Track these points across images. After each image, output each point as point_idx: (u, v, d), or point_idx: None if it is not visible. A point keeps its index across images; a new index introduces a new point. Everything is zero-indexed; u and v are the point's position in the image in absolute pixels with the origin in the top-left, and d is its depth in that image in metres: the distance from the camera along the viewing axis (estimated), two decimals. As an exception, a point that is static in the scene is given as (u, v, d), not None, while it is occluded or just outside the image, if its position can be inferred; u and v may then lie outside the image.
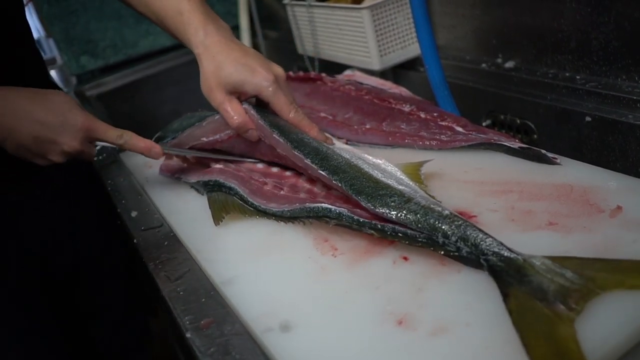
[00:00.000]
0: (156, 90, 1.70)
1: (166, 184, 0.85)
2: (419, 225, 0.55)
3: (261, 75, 0.72)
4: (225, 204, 0.71)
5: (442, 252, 0.53)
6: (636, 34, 0.78)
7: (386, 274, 0.54)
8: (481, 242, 0.51)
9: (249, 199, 0.70)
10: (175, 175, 0.84)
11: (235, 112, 0.73)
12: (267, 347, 0.49)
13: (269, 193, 0.70)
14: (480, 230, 0.52)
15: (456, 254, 0.52)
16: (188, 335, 0.52)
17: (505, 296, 0.47)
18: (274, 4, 1.69)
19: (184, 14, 0.75)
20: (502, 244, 0.50)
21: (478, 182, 0.66)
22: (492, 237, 0.51)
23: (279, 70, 0.75)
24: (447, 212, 0.55)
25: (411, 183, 0.61)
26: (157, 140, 0.87)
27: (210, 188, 0.75)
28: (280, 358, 0.47)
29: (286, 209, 0.66)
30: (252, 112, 0.74)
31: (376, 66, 1.11)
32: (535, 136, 0.94)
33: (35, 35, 1.89)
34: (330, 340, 0.48)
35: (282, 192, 0.70)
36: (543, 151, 0.67)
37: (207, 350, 0.50)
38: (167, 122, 1.71)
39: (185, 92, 1.70)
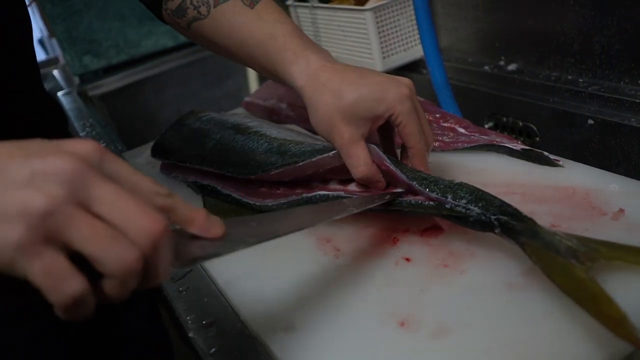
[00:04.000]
0: (158, 90, 1.70)
1: (169, 184, 0.86)
2: (428, 189, 0.55)
3: (394, 90, 0.58)
4: (222, 210, 0.70)
5: (450, 217, 0.54)
6: (638, 38, 0.78)
7: (388, 275, 0.54)
8: (492, 203, 0.52)
9: (244, 200, 0.70)
10: (172, 174, 0.83)
11: (363, 159, 0.58)
12: (270, 347, 0.49)
13: (264, 193, 0.69)
14: (491, 194, 0.53)
15: (465, 216, 0.53)
16: (191, 334, 0.52)
17: (522, 245, 0.49)
18: (277, 3, 1.70)
19: (278, 37, 0.64)
20: (513, 207, 0.52)
21: (481, 183, 0.65)
22: (502, 200, 0.52)
23: (408, 81, 0.61)
24: (456, 181, 0.56)
25: None
26: (156, 149, 0.85)
27: (207, 192, 0.75)
28: (283, 358, 0.48)
29: (282, 201, 0.66)
30: (382, 155, 0.59)
31: (379, 68, 1.12)
32: (538, 139, 0.95)
33: (37, 35, 1.89)
34: (332, 341, 0.48)
35: (278, 191, 0.69)
36: (545, 153, 0.67)
37: (209, 350, 0.50)
38: (169, 122, 1.71)
39: (188, 93, 1.71)
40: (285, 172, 0.65)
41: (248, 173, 0.68)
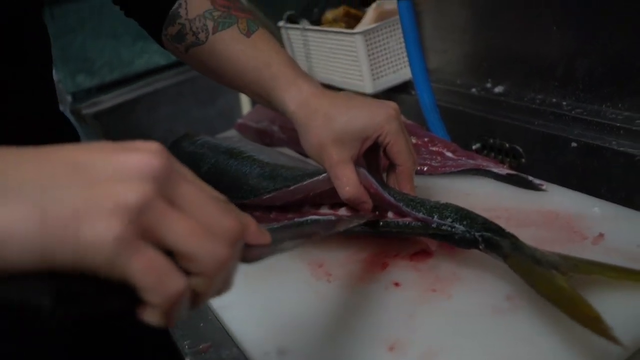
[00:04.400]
0: (151, 109, 1.72)
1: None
2: (415, 210, 0.57)
3: (382, 112, 0.62)
4: None
5: (436, 235, 0.57)
6: (619, 63, 0.81)
7: (379, 300, 0.56)
8: (476, 220, 0.54)
9: None
10: None
11: (350, 180, 0.61)
12: (264, 371, 0.51)
13: (258, 217, 0.71)
14: (475, 213, 0.56)
15: (450, 234, 0.55)
16: (187, 359, 0.54)
17: (505, 257, 0.51)
18: (268, 24, 1.72)
19: (272, 66, 0.67)
20: (494, 223, 0.54)
21: (467, 207, 0.68)
22: (486, 218, 0.55)
23: (394, 104, 0.65)
24: (442, 202, 0.58)
25: None
26: None
27: None
28: (276, 382, 0.49)
29: (275, 226, 0.67)
30: (370, 178, 0.62)
31: (369, 90, 1.14)
32: (523, 160, 0.97)
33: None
34: (324, 365, 0.50)
35: (271, 216, 0.71)
36: (530, 178, 0.70)
37: (206, 374, 0.52)
38: (162, 141, 1.73)
39: (180, 111, 1.72)
40: (277, 196, 0.67)
41: (241, 197, 0.70)
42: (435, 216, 0.56)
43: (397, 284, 0.58)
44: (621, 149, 0.80)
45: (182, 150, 0.85)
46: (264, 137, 1.01)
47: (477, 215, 0.55)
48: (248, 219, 0.38)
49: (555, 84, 0.92)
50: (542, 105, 0.94)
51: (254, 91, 0.70)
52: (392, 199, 0.59)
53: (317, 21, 1.26)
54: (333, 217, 0.64)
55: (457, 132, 1.02)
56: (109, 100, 1.68)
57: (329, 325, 0.55)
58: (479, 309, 0.52)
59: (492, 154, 1.03)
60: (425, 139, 0.82)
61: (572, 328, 0.45)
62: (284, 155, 0.78)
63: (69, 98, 1.68)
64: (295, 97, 0.65)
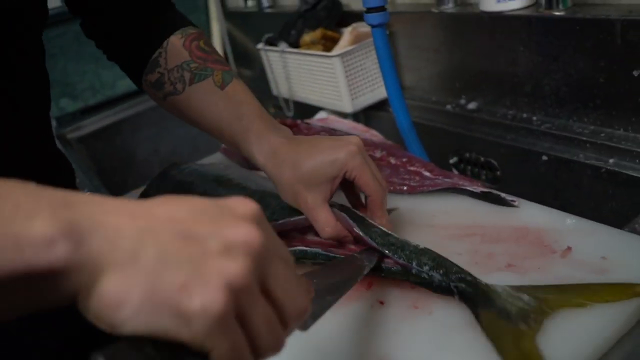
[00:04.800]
0: (135, 130, 1.75)
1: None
2: (396, 255, 0.61)
3: (343, 150, 0.64)
4: None
5: (417, 282, 0.60)
6: (581, 81, 0.86)
7: (365, 318, 0.60)
8: (450, 270, 0.58)
9: None
10: None
11: (327, 222, 0.65)
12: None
13: None
14: (450, 261, 0.59)
15: (429, 282, 0.59)
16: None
17: (477, 316, 0.54)
18: (248, 43, 1.76)
19: (243, 118, 0.70)
20: (469, 273, 0.57)
21: (445, 226, 0.72)
22: (460, 266, 0.58)
23: (356, 139, 0.67)
24: (421, 246, 0.62)
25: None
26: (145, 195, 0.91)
27: None
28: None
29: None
30: (350, 222, 0.65)
31: (348, 109, 1.18)
32: (499, 173, 1.02)
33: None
34: (317, 383, 0.54)
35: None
36: (502, 195, 0.74)
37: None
38: (148, 162, 1.76)
39: (164, 131, 1.75)
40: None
41: None
42: (414, 262, 0.60)
43: (381, 302, 0.62)
44: (588, 161, 0.85)
45: (170, 179, 0.88)
46: (249, 160, 1.05)
47: (452, 265, 0.59)
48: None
49: (525, 100, 0.97)
50: (513, 121, 0.99)
51: (228, 141, 0.73)
52: (374, 244, 0.63)
53: (295, 43, 1.30)
54: (320, 249, 0.68)
55: (435, 147, 1.07)
56: (93, 124, 1.71)
57: (319, 343, 0.58)
58: (459, 323, 0.56)
59: (469, 167, 1.08)
60: (404, 159, 0.86)
61: (550, 342, 0.50)
62: (269, 180, 0.82)
63: (54, 123, 1.70)
64: (263, 150, 0.68)
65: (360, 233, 0.64)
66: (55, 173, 0.79)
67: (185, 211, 0.34)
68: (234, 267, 0.32)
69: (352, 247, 0.68)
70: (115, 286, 0.30)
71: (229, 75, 0.73)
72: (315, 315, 0.43)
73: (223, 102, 0.72)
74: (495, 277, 0.60)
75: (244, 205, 0.36)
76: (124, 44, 0.78)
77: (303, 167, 0.65)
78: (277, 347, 0.35)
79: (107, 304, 0.30)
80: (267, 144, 0.68)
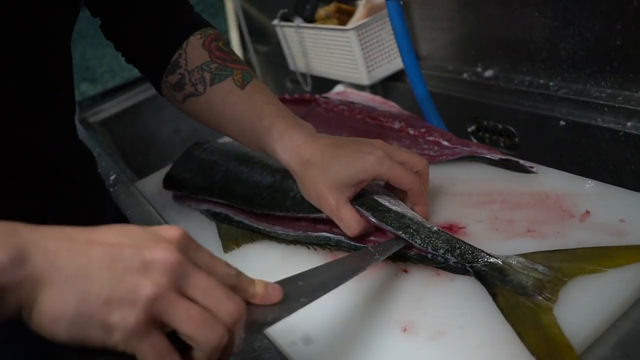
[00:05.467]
0: (155, 111, 1.77)
1: (182, 211, 0.93)
2: (412, 239, 0.63)
3: (370, 157, 0.65)
4: (236, 236, 0.78)
5: (434, 265, 0.62)
6: (598, 44, 0.86)
7: (390, 287, 0.62)
8: (465, 252, 0.60)
9: (255, 225, 0.77)
10: (186, 204, 0.91)
11: (353, 220, 0.66)
12: (293, 358, 0.57)
13: (274, 221, 0.77)
14: (464, 242, 0.61)
15: (444, 265, 0.61)
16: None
17: (494, 296, 0.55)
18: (263, 19, 1.77)
19: (265, 118, 0.71)
20: (482, 251, 0.59)
21: (465, 194, 0.74)
22: (473, 246, 0.60)
23: (380, 142, 0.68)
24: (435, 228, 0.63)
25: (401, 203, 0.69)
26: (167, 182, 0.93)
27: (221, 219, 0.82)
28: (304, 368, 0.56)
29: (291, 233, 0.73)
30: (365, 213, 0.67)
31: (365, 81, 1.19)
32: (517, 139, 1.03)
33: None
34: (346, 349, 0.56)
35: (285, 220, 0.76)
36: (521, 161, 0.75)
37: (238, 363, 0.58)
38: (170, 141, 1.78)
39: (184, 110, 1.77)
40: (286, 216, 0.74)
41: (255, 208, 0.76)
42: (429, 247, 0.62)
43: (405, 271, 0.64)
44: (605, 125, 0.86)
45: (194, 159, 0.91)
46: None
47: (467, 246, 0.60)
48: (257, 287, 0.46)
49: (542, 66, 0.98)
50: (530, 87, 0.99)
51: (249, 140, 0.74)
52: (391, 229, 0.65)
53: (310, 18, 1.30)
54: (343, 237, 0.69)
55: (453, 116, 1.08)
56: (114, 107, 1.73)
57: (347, 312, 0.61)
58: (481, 290, 0.58)
59: (487, 135, 1.09)
60: (422, 130, 0.88)
61: (567, 310, 0.51)
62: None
63: (76, 107, 1.73)
64: (287, 148, 0.69)
65: (376, 222, 0.66)
66: (78, 161, 0.81)
67: (116, 236, 0.40)
68: (149, 283, 0.38)
69: (373, 238, 0.69)
70: (51, 302, 0.37)
71: (249, 74, 0.74)
72: (274, 319, 0.46)
73: (244, 102, 0.72)
74: (515, 243, 0.62)
75: (169, 231, 0.42)
76: (143, 45, 0.79)
77: (328, 171, 0.66)
78: (218, 337, 0.40)
79: (46, 317, 0.37)
80: (290, 142, 0.69)
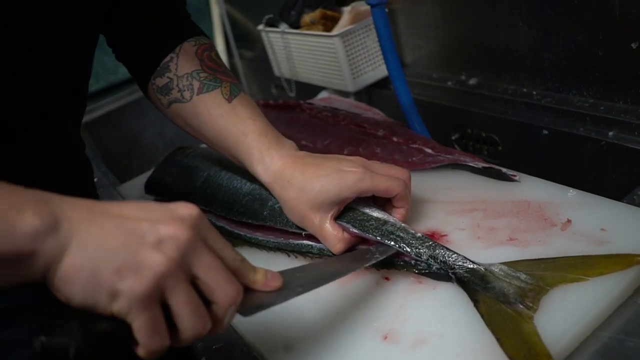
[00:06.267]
0: (139, 115, 1.76)
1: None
2: (395, 245, 0.63)
3: (351, 176, 0.65)
4: None
5: (416, 271, 0.62)
6: (581, 55, 0.87)
7: (371, 294, 0.62)
8: (448, 258, 0.60)
9: (236, 231, 0.77)
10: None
11: (336, 239, 0.66)
12: (273, 366, 0.56)
13: (254, 226, 0.76)
14: (446, 248, 0.61)
15: (427, 271, 0.61)
16: (203, 359, 0.59)
17: (476, 302, 0.55)
18: (248, 24, 1.77)
19: (248, 135, 0.70)
20: (465, 258, 0.59)
21: (448, 201, 0.74)
22: (456, 253, 0.60)
23: (360, 159, 0.68)
24: (418, 234, 0.63)
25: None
26: (149, 187, 0.92)
27: None
28: (284, 376, 0.55)
29: (271, 240, 0.73)
30: (346, 225, 0.67)
31: (350, 88, 1.19)
32: (500, 148, 1.03)
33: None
34: (326, 357, 0.56)
35: (266, 227, 0.76)
36: (503, 170, 0.75)
37: (220, 373, 0.57)
38: (153, 145, 1.77)
39: (168, 115, 1.76)
40: (265, 227, 0.74)
41: (234, 216, 0.76)
42: (413, 253, 0.62)
43: (387, 278, 0.64)
44: (587, 134, 0.86)
45: (175, 164, 0.90)
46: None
47: (449, 253, 0.60)
48: (258, 274, 0.49)
49: (525, 75, 0.98)
50: (514, 96, 1.00)
51: (230, 154, 0.74)
52: (372, 237, 0.65)
53: (295, 24, 1.30)
54: (324, 246, 0.69)
55: (437, 124, 1.08)
56: (97, 110, 1.71)
57: (329, 320, 0.60)
58: (462, 298, 0.57)
59: (471, 143, 1.09)
60: (406, 137, 0.87)
61: (548, 318, 0.51)
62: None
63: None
64: (267, 169, 0.69)
65: (359, 233, 0.66)
66: (76, 164, 0.80)
67: (133, 210, 0.43)
68: (161, 257, 0.41)
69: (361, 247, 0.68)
70: (71, 266, 0.40)
71: (237, 88, 0.74)
72: (268, 304, 0.48)
73: (229, 116, 0.72)
74: (497, 251, 0.62)
75: (185, 209, 0.45)
76: (136, 44, 0.78)
77: (309, 191, 0.65)
78: (202, 327, 0.43)
79: (65, 280, 0.40)
80: (271, 164, 0.69)
